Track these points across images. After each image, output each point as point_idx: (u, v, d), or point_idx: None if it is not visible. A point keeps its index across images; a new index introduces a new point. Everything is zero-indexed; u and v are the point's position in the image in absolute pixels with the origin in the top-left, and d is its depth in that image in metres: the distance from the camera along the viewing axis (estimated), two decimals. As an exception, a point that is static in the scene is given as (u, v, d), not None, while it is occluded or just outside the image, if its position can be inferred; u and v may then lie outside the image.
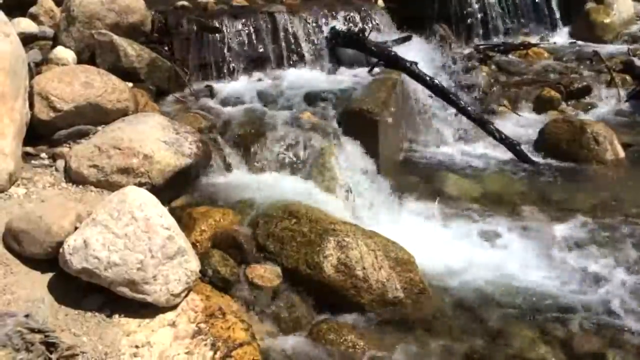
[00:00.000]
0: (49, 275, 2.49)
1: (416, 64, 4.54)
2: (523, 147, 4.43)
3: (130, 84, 3.82)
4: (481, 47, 6.02)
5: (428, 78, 4.51)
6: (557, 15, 6.73)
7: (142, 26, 4.36)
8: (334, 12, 5.08)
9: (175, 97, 4.21)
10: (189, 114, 3.89)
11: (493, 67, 5.65)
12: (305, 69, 4.80)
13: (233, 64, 4.62)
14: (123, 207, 2.46)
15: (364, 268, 2.87)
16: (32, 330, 2.13)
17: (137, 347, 2.34)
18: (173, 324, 2.43)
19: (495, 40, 6.30)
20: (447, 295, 2.98)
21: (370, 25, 5.16)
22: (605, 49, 6.05)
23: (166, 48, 4.45)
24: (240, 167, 3.65)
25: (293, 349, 2.64)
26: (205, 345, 2.38)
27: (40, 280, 2.47)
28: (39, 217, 2.49)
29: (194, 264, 2.55)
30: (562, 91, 5.21)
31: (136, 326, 2.40)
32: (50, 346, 2.14)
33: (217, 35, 4.58)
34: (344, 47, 4.94)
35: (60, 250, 2.41)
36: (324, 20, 4.99)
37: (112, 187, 2.95)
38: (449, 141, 4.70)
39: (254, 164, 3.67)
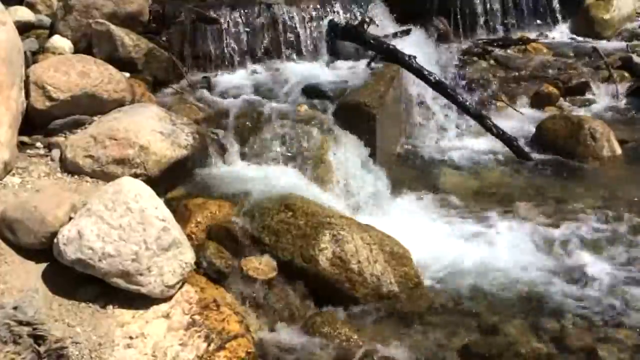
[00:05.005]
0: (44, 265, 2.48)
1: (415, 57, 4.53)
2: (520, 142, 4.43)
3: (127, 74, 3.80)
4: (480, 41, 5.99)
5: (426, 72, 4.50)
6: (557, 10, 6.70)
7: (139, 16, 4.33)
8: (332, 4, 5.05)
9: (173, 88, 4.19)
10: (185, 105, 3.87)
11: (492, 62, 5.62)
12: (303, 62, 4.78)
13: (231, 56, 4.60)
14: (118, 198, 2.46)
15: (359, 262, 2.88)
16: (20, 323, 2.13)
17: (131, 338, 2.34)
18: (167, 316, 2.43)
19: (494, 35, 6.28)
20: (442, 290, 2.99)
21: (369, 18, 5.13)
22: (604, 45, 6.04)
23: (164, 38, 4.43)
24: (236, 159, 3.64)
25: (287, 342, 2.64)
26: (199, 336, 2.38)
27: (35, 270, 2.46)
28: (33, 206, 2.49)
29: (189, 256, 2.55)
30: (561, 87, 5.20)
31: (130, 317, 2.40)
32: (39, 339, 2.13)
33: (215, 26, 4.56)
34: (342, 40, 4.92)
35: (55, 240, 2.40)
36: (322, 12, 4.96)
37: (108, 177, 2.94)
38: (447, 136, 4.69)
39: (251, 156, 3.66)
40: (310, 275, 2.86)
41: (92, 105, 3.35)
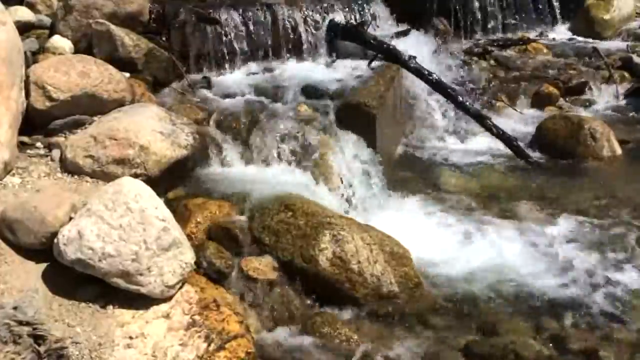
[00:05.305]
0: (44, 265, 2.48)
1: (414, 58, 4.53)
2: (520, 143, 4.43)
3: (127, 74, 3.80)
4: (480, 42, 6.00)
5: (426, 72, 4.50)
6: (557, 10, 6.71)
7: (139, 16, 4.33)
8: (332, 5, 5.05)
9: (173, 88, 4.19)
10: (186, 105, 3.88)
11: (492, 62, 5.63)
12: (303, 61, 4.78)
13: (231, 56, 4.60)
14: (118, 198, 2.45)
15: (359, 262, 2.88)
16: (20, 323, 2.12)
17: (131, 338, 2.34)
18: (167, 316, 2.43)
19: (495, 35, 6.29)
20: (442, 290, 2.98)
21: (369, 18, 5.13)
22: (604, 45, 6.04)
23: (164, 38, 4.43)
24: (236, 159, 3.64)
25: (287, 342, 2.64)
26: (199, 337, 2.38)
27: (35, 270, 2.46)
28: (33, 207, 2.48)
29: (189, 256, 2.55)
30: (561, 87, 5.21)
31: (130, 317, 2.40)
32: (39, 339, 2.13)
33: (215, 26, 4.56)
34: (342, 40, 4.92)
35: (55, 240, 2.40)
36: (322, 12, 4.96)
37: (108, 177, 2.94)
38: (447, 136, 4.70)
39: (251, 156, 3.66)
40: (310, 275, 2.86)
41: (92, 105, 3.35)
